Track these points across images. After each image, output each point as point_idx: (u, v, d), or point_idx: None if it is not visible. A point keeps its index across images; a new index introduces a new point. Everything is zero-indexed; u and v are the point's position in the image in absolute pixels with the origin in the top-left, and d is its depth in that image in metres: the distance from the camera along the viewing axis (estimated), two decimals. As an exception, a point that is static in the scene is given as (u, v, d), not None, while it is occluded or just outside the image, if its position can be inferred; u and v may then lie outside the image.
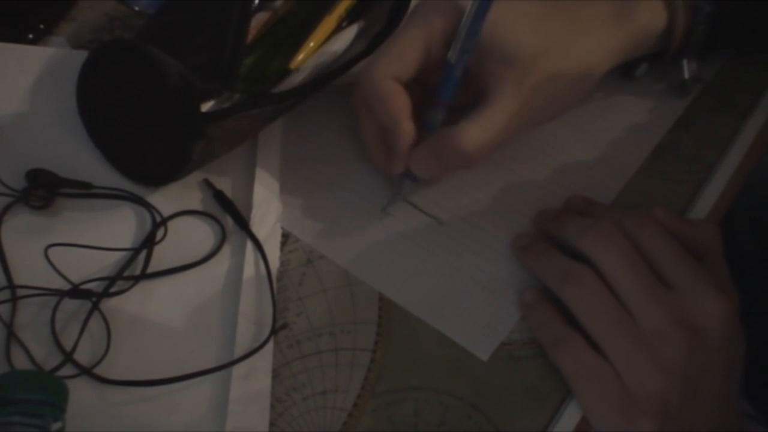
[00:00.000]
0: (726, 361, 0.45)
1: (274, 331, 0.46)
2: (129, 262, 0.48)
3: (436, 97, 0.50)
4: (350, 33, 0.57)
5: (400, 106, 0.49)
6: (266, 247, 0.50)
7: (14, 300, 0.46)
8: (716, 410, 0.44)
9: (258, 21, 0.55)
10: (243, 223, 0.51)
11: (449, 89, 0.49)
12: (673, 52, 0.58)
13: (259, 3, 0.55)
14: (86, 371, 0.44)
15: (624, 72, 0.62)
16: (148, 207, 0.51)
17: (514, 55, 0.48)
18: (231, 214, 0.51)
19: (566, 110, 0.54)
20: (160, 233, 0.50)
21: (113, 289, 0.47)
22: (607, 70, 0.53)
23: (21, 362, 0.44)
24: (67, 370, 0.44)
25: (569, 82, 0.51)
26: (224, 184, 0.53)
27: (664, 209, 0.50)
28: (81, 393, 0.43)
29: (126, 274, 0.48)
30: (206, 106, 0.51)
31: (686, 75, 0.61)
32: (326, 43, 0.56)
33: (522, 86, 0.48)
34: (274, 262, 0.50)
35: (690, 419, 0.44)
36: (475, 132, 0.48)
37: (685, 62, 0.61)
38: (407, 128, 0.49)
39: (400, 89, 0.50)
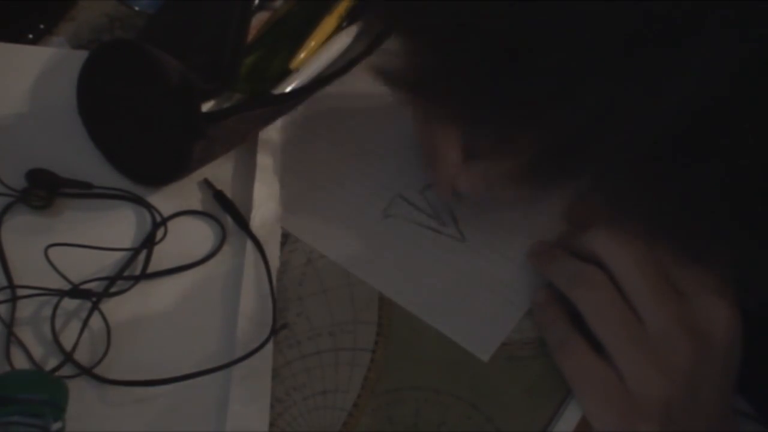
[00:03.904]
0: (727, 367, 0.45)
1: (274, 331, 0.46)
2: (129, 262, 0.48)
3: None
4: (350, 33, 0.57)
5: (446, 132, 0.49)
6: (266, 247, 0.49)
7: (14, 300, 0.46)
8: (713, 413, 0.45)
9: (258, 21, 0.55)
10: (243, 223, 0.51)
11: None
12: None
13: (259, 3, 0.55)
14: (86, 371, 0.44)
15: None
16: (148, 207, 0.51)
17: None
18: (231, 214, 0.51)
19: None
20: (160, 233, 0.50)
21: (113, 289, 0.47)
22: None
23: (21, 362, 0.44)
24: (67, 370, 0.44)
25: None
26: (224, 184, 0.53)
27: None
28: (81, 393, 0.43)
29: (126, 274, 0.48)
30: (206, 106, 0.51)
31: None
32: (326, 43, 0.56)
33: None
34: (274, 262, 0.50)
35: (688, 422, 0.44)
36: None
37: None
38: (449, 157, 0.49)
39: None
